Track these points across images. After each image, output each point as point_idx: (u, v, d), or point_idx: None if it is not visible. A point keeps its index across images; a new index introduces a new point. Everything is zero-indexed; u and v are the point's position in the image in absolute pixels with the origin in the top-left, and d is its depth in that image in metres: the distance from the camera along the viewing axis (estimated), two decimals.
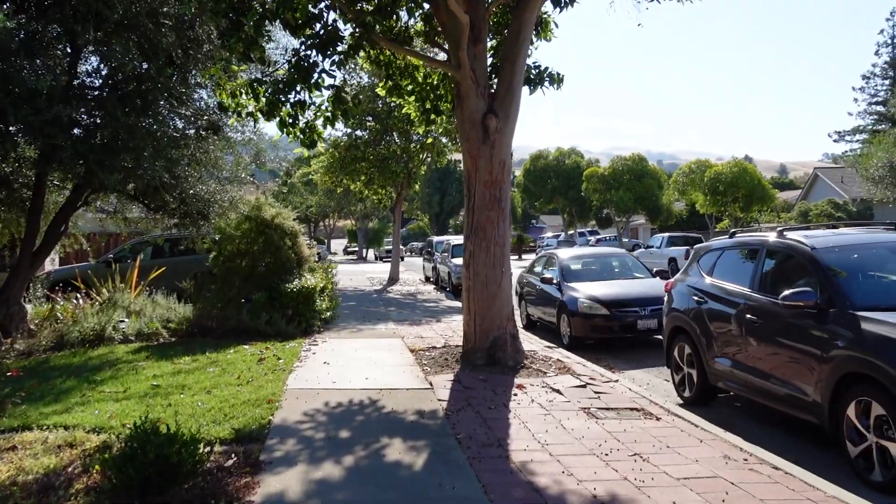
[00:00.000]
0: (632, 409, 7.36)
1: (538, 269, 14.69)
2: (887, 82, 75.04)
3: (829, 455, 6.16)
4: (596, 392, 7.98)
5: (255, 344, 11.06)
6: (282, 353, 10.14)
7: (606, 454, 5.72)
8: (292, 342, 11.25)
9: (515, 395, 7.85)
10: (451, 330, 13.49)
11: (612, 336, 11.78)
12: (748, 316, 6.91)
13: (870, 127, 74.75)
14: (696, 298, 8.06)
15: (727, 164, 33.65)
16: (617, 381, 8.73)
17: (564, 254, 14.21)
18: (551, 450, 5.82)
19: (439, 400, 7.51)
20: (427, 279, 30.61)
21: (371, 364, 9.49)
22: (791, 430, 7.00)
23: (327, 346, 11.11)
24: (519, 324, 11.88)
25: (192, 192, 11.18)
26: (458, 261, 24.03)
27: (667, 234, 32.97)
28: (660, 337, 12.32)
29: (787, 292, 6.20)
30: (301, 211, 15.83)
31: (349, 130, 27.97)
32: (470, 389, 8.04)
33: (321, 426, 6.40)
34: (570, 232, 58.71)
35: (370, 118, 27.80)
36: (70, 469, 5.15)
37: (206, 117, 10.67)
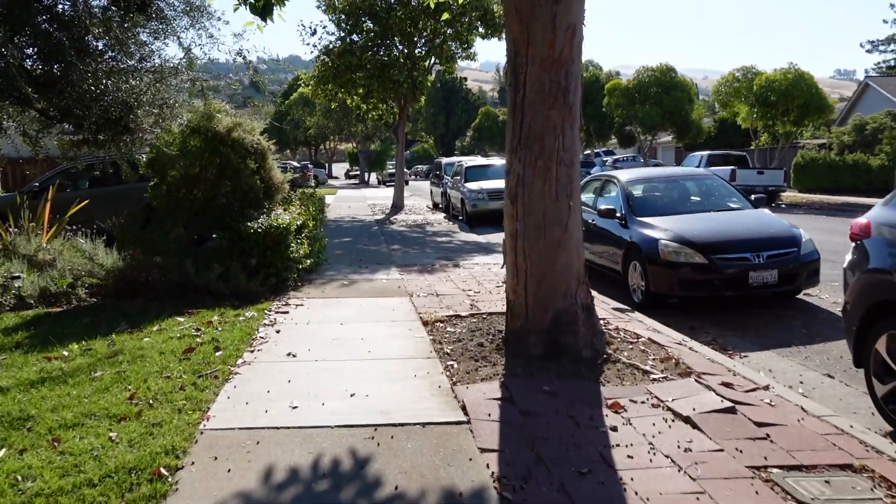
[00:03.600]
0: (843, 466, 3.93)
1: (587, 196, 11.07)
2: None
3: None
4: (758, 424, 4.51)
5: (197, 313, 7.60)
6: (229, 332, 6.66)
7: None
8: (251, 309, 7.77)
9: (615, 429, 4.39)
10: (475, 281, 10.01)
11: (712, 294, 8.26)
12: None
13: None
14: None
15: (781, 71, 29.26)
16: (767, 387, 5.27)
17: (626, 176, 10.54)
18: None
19: (483, 451, 4.05)
20: (436, 206, 27.04)
21: (363, 356, 6.02)
22: None
23: (301, 315, 7.64)
24: None
25: (96, 90, 7.49)
26: (474, 185, 20.47)
27: (706, 153, 28.96)
28: (778, 292, 8.82)
29: None
30: (265, 120, 11.47)
31: (342, 34, 23.88)
32: (532, 418, 4.58)
33: None
34: (587, 152, 54.46)
35: (367, 19, 23.67)
36: None
37: None
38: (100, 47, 8.47)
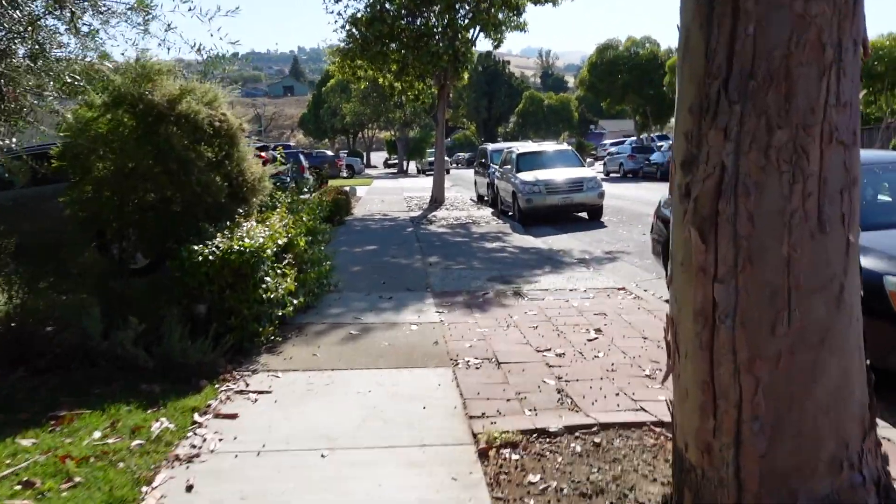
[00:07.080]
0: None
1: None
2: None
3: None
4: None
5: (69, 419, 4.20)
6: (84, 493, 3.26)
7: None
8: (172, 408, 4.36)
9: None
10: (550, 325, 6.51)
11: None
12: None
13: None
14: None
15: (889, 36, 24.82)
16: None
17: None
18: None
19: None
20: (480, 199, 23.53)
21: None
22: None
23: (256, 423, 4.20)
24: None
25: None
26: (528, 176, 16.91)
27: None
28: None
29: None
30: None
31: (369, 1, 20.39)
32: None
33: None
34: (643, 136, 50.13)
35: None
36: None
37: None
38: None
